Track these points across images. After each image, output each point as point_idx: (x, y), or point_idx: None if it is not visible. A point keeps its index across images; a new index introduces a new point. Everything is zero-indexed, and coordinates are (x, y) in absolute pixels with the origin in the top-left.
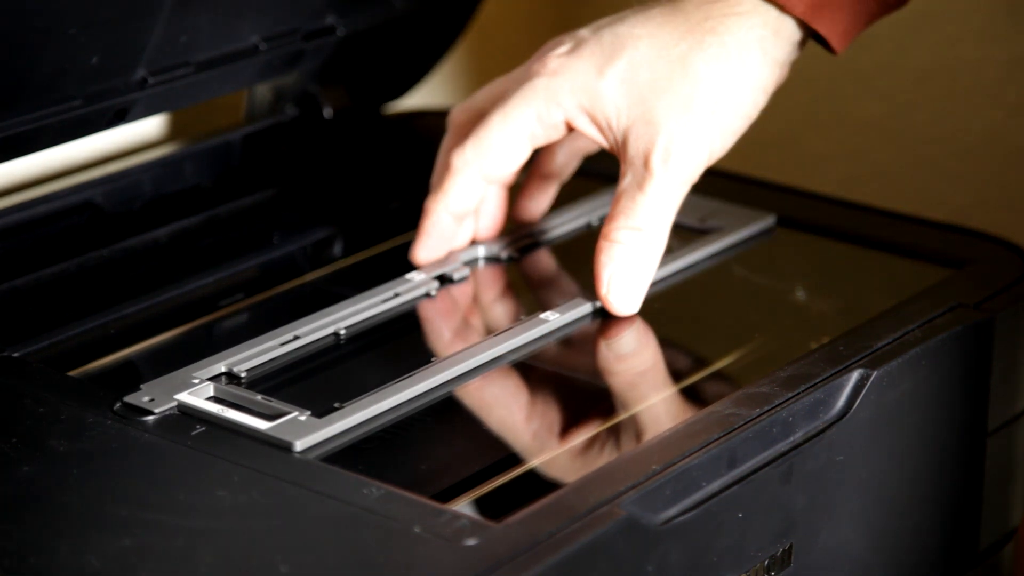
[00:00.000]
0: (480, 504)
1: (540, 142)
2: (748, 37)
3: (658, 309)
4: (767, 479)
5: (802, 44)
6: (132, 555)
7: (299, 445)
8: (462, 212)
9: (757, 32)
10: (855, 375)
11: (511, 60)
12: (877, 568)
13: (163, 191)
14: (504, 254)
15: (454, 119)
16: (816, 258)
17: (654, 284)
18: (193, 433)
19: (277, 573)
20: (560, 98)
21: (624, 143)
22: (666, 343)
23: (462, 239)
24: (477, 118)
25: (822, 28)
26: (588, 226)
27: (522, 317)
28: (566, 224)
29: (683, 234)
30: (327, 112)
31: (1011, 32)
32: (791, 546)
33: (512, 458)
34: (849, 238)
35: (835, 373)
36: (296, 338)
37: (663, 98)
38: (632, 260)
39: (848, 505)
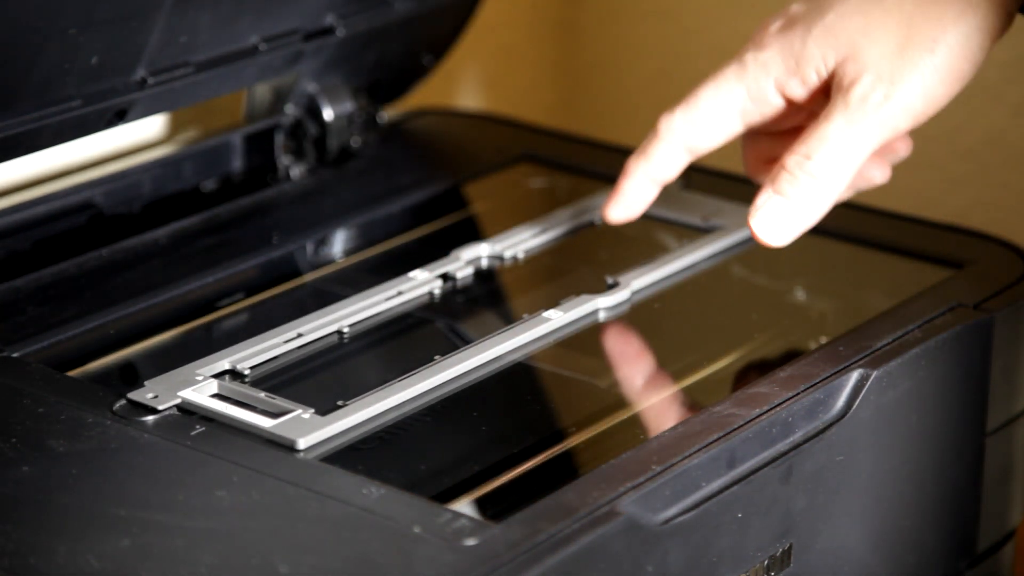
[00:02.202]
0: (480, 504)
1: (753, 118)
2: (957, 6)
3: (658, 309)
4: (767, 479)
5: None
6: (132, 555)
7: (302, 443)
8: (661, 179)
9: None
10: (855, 375)
11: (511, 60)
12: (877, 568)
13: (163, 191)
14: (507, 253)
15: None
16: (816, 258)
17: (656, 284)
18: (193, 433)
19: (277, 573)
20: (770, 70)
21: (828, 81)
22: (666, 343)
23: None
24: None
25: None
26: (591, 224)
27: (524, 316)
28: (568, 223)
29: (685, 233)
30: (327, 112)
31: (1011, 32)
32: (791, 546)
33: (512, 458)
34: (849, 238)
35: (835, 373)
36: (299, 336)
37: (875, 41)
38: (791, 191)
39: (848, 505)
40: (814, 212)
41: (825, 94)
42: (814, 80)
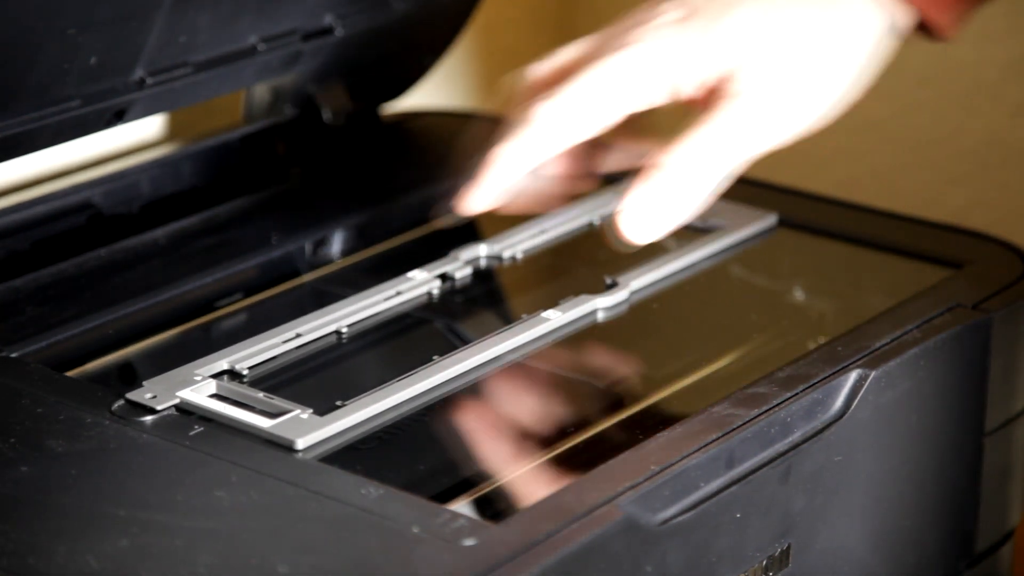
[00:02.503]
0: (479, 504)
1: (633, 109)
2: (859, 16)
3: (658, 309)
4: (765, 479)
5: (906, 29)
6: (131, 555)
7: (301, 443)
8: (530, 169)
9: (867, 13)
10: (853, 375)
11: (511, 60)
12: (875, 568)
13: (162, 191)
14: (506, 253)
15: (531, 76)
16: (816, 258)
17: (655, 284)
18: (191, 433)
19: (276, 573)
20: (665, 65)
21: (722, 79)
22: (665, 343)
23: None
24: (560, 78)
25: (935, 17)
26: (590, 225)
27: (523, 316)
28: (568, 223)
29: (684, 233)
30: (326, 113)
31: (1011, 32)
32: (789, 546)
33: (512, 458)
34: (849, 238)
35: (833, 373)
36: (298, 336)
37: (778, 46)
38: (665, 191)
39: (846, 505)
40: (684, 210)
41: (711, 93)
42: (709, 79)
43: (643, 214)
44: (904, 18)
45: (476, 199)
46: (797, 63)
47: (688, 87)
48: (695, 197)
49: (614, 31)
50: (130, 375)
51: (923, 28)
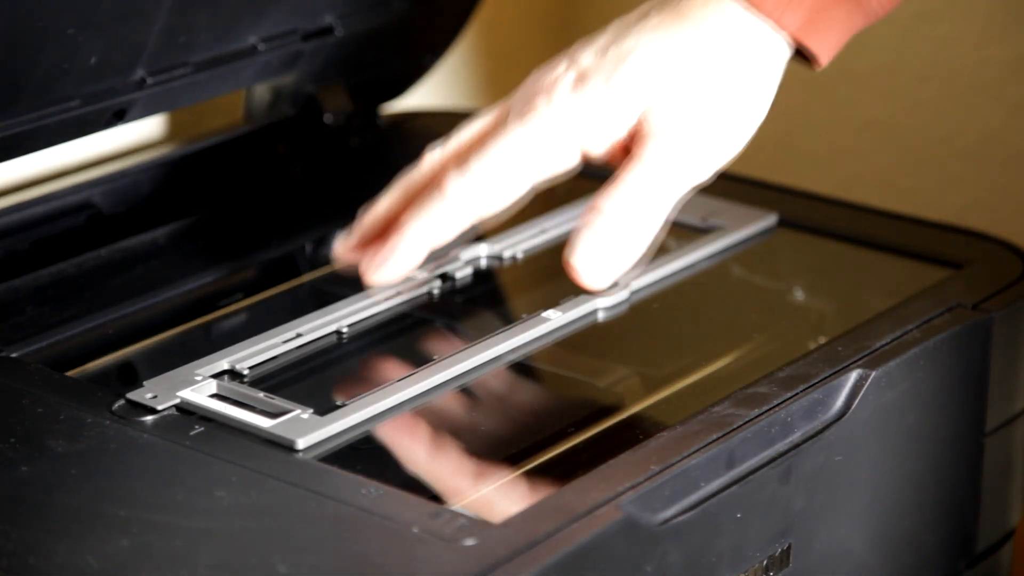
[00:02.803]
0: (480, 504)
1: (544, 178)
2: (748, 49)
3: (658, 309)
4: (766, 479)
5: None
6: (131, 555)
7: (301, 443)
8: (438, 242)
9: (754, 45)
10: (854, 375)
11: (511, 60)
12: (876, 568)
13: (162, 191)
14: (506, 253)
15: (432, 155)
16: (816, 258)
17: (655, 284)
18: (192, 433)
19: (276, 573)
20: (573, 130)
21: (638, 127)
22: (665, 343)
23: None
24: (462, 155)
25: (814, 46)
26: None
27: (524, 316)
28: (568, 223)
29: (683, 233)
30: (326, 113)
31: (1011, 32)
32: (790, 546)
33: (512, 458)
34: (849, 238)
35: (834, 373)
36: (298, 336)
37: (685, 86)
38: (612, 234)
39: (847, 505)
40: (635, 254)
41: (624, 148)
42: (618, 135)
43: (595, 260)
44: (786, 49)
45: (384, 272)
46: (706, 97)
47: (598, 147)
48: (642, 237)
49: (513, 102)
50: (130, 375)
51: (800, 54)
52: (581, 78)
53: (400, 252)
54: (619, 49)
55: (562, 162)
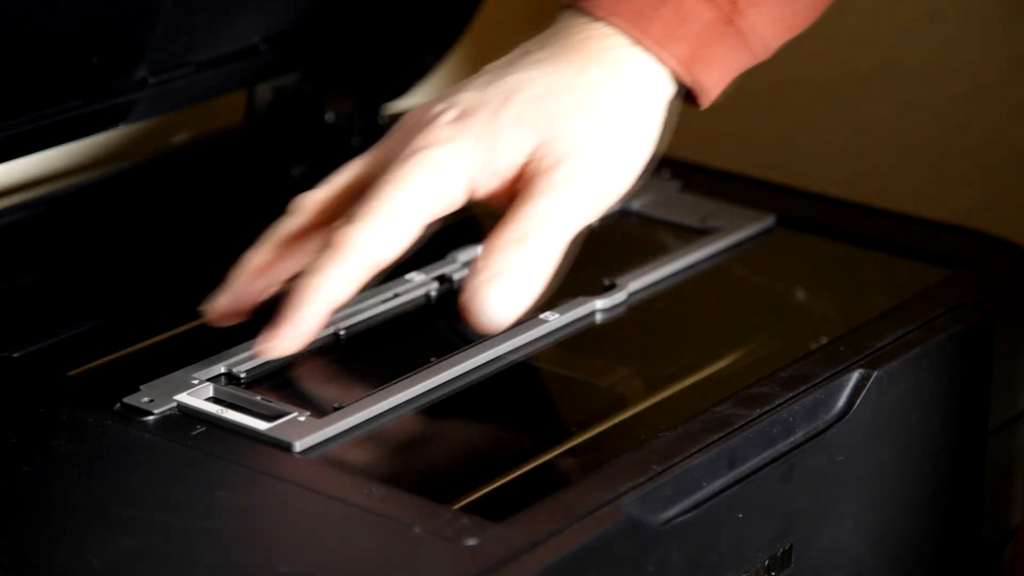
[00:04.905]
0: (480, 504)
1: (433, 219)
2: (635, 81)
3: (658, 309)
4: (767, 479)
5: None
6: (132, 555)
7: (299, 446)
8: (339, 304)
9: (639, 77)
10: (855, 375)
11: None
12: (877, 568)
13: (163, 191)
14: None
15: (304, 205)
16: (816, 258)
17: (654, 285)
18: (193, 433)
19: (277, 573)
20: (461, 165)
21: (526, 165)
22: (664, 344)
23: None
24: (343, 202)
25: (695, 81)
26: (588, 226)
27: (522, 317)
28: None
29: (683, 234)
30: (327, 113)
31: (1011, 32)
32: (791, 546)
33: (512, 458)
34: (849, 238)
35: (835, 373)
36: None
37: (570, 118)
38: (510, 272)
39: (848, 505)
40: (531, 290)
41: (510, 190)
42: (507, 170)
43: (490, 303)
44: (670, 84)
45: (286, 343)
46: (595, 132)
47: (485, 183)
48: (536, 278)
49: (390, 144)
50: (132, 375)
51: (685, 92)
52: (463, 115)
53: (301, 320)
54: (503, 85)
55: (450, 199)
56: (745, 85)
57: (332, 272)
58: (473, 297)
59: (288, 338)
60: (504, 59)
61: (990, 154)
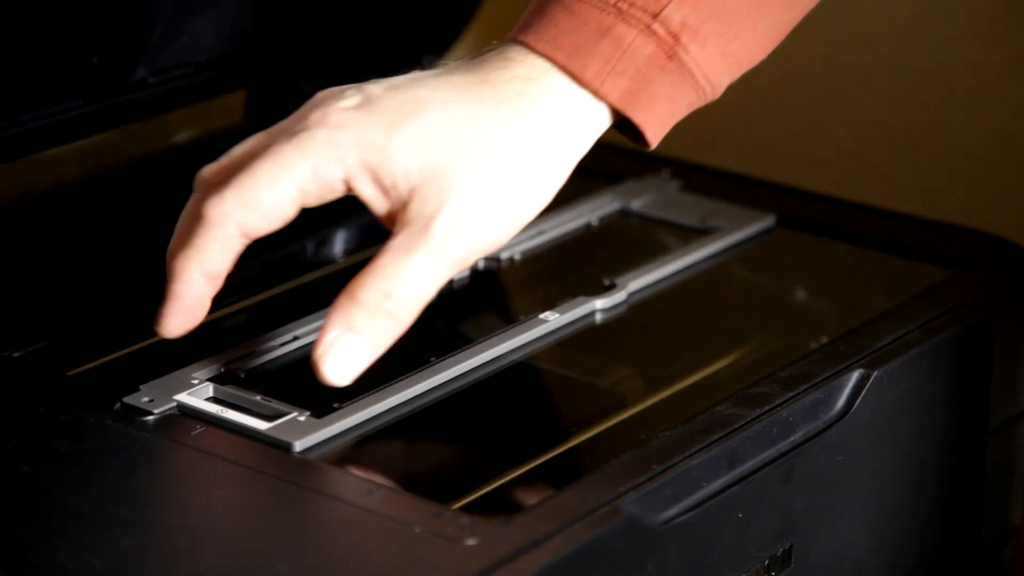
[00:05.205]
0: (480, 504)
1: (311, 201)
2: (558, 123)
3: (658, 309)
4: (767, 479)
5: (610, 127)
6: (132, 555)
7: (298, 445)
8: (217, 273)
9: (567, 118)
10: (855, 375)
11: None
12: (877, 568)
13: (163, 191)
14: (504, 254)
15: (204, 178)
16: (816, 258)
17: (653, 285)
18: (193, 433)
19: (277, 573)
20: (343, 153)
21: (406, 205)
22: (664, 344)
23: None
24: (233, 174)
25: (637, 117)
26: (588, 226)
27: (521, 317)
28: (566, 224)
29: (683, 234)
30: None
31: (1011, 32)
32: (791, 546)
33: (512, 458)
34: (849, 238)
35: (835, 373)
36: (296, 339)
37: (462, 168)
38: (368, 330)
39: (848, 505)
40: (386, 346)
41: (392, 199)
42: (389, 187)
43: (354, 355)
44: (605, 120)
45: (173, 324)
46: (498, 168)
47: (363, 187)
48: (391, 336)
49: (292, 117)
50: (132, 374)
51: (629, 130)
52: (365, 105)
53: (180, 296)
54: (415, 97)
55: (326, 182)
56: (745, 85)
57: (201, 244)
58: (328, 356)
59: (173, 315)
60: (434, 70)
61: (990, 154)
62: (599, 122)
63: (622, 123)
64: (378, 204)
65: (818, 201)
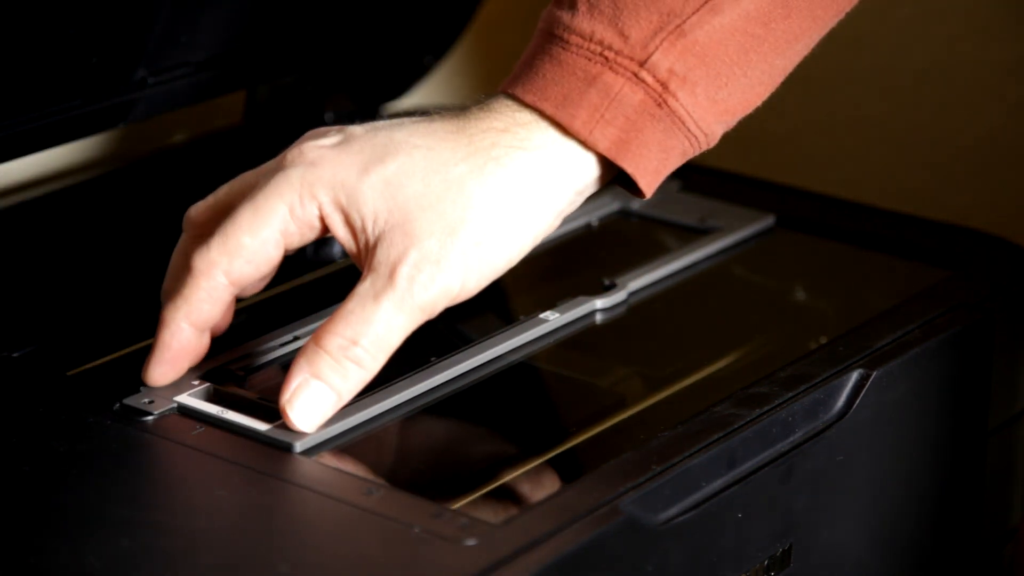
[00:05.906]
0: (480, 504)
1: (295, 241)
2: (534, 175)
3: (658, 309)
4: (767, 479)
5: (603, 179)
6: (132, 555)
7: (299, 446)
8: (205, 323)
9: (546, 170)
10: (855, 375)
11: (512, 61)
12: (877, 568)
13: (163, 191)
14: None
15: (191, 218)
16: (816, 258)
17: (653, 285)
18: (193, 433)
19: (277, 573)
20: (316, 190)
21: (373, 249)
22: (664, 344)
23: (201, 353)
24: (220, 215)
25: (629, 166)
26: (588, 226)
27: (522, 317)
28: (566, 224)
29: (683, 234)
30: (327, 114)
31: (1011, 32)
32: (791, 546)
33: (512, 458)
34: (849, 238)
35: (835, 373)
36: (296, 339)
37: (429, 215)
38: (333, 377)
39: (848, 505)
40: (353, 392)
41: (360, 242)
42: (360, 228)
43: (320, 403)
44: (594, 169)
45: (160, 373)
46: (474, 218)
47: (336, 224)
48: (358, 384)
49: (277, 157)
50: (132, 374)
51: (623, 179)
52: (344, 143)
53: (168, 346)
54: (390, 138)
55: (312, 228)
56: None
57: (188, 294)
58: (294, 403)
59: (158, 364)
60: (419, 117)
61: (990, 154)
62: (586, 173)
63: (618, 177)
64: (349, 245)
65: (818, 201)
